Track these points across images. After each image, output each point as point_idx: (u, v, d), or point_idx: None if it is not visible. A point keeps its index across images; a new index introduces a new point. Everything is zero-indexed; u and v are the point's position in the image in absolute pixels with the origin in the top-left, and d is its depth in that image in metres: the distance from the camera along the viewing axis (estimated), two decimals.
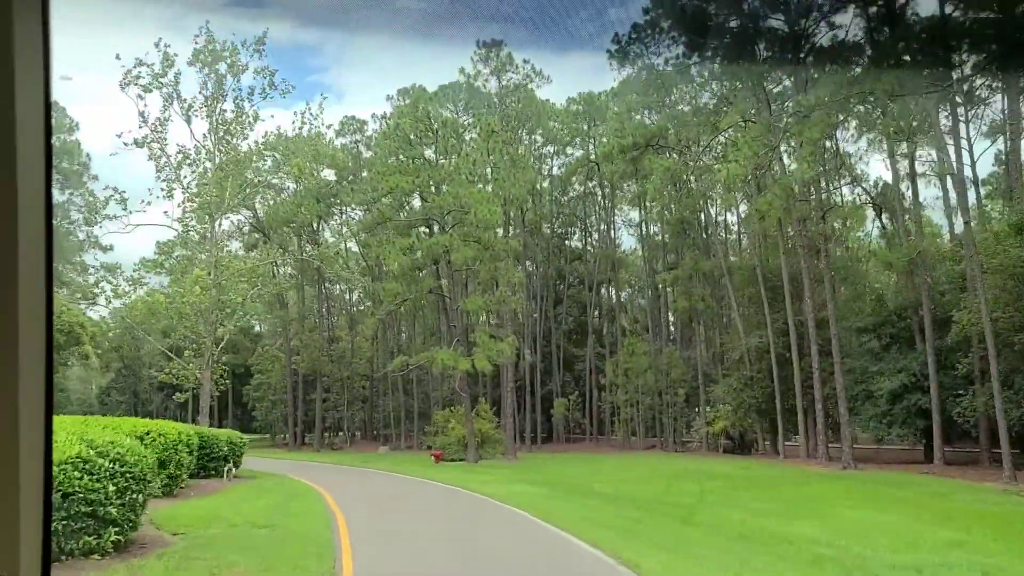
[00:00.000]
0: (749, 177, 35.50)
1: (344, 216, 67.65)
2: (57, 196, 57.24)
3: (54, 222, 1.45)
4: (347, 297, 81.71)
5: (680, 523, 16.55)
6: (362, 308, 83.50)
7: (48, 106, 1.37)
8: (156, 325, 40.29)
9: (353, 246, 75.13)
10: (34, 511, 1.30)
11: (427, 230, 38.52)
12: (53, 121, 1.42)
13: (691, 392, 52.50)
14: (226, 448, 24.62)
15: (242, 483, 23.87)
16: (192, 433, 21.28)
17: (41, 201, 1.36)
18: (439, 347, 37.95)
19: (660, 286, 63.51)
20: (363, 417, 76.80)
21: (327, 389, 71.81)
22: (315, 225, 63.06)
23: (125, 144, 32.44)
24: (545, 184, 67.47)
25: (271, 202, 61.81)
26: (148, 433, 17.52)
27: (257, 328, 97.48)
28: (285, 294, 75.28)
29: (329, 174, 66.87)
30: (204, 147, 34.26)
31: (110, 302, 37.25)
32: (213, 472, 23.70)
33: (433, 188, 35.97)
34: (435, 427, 45.69)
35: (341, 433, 78.34)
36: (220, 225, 35.82)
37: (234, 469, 25.10)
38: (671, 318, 63.73)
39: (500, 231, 40.01)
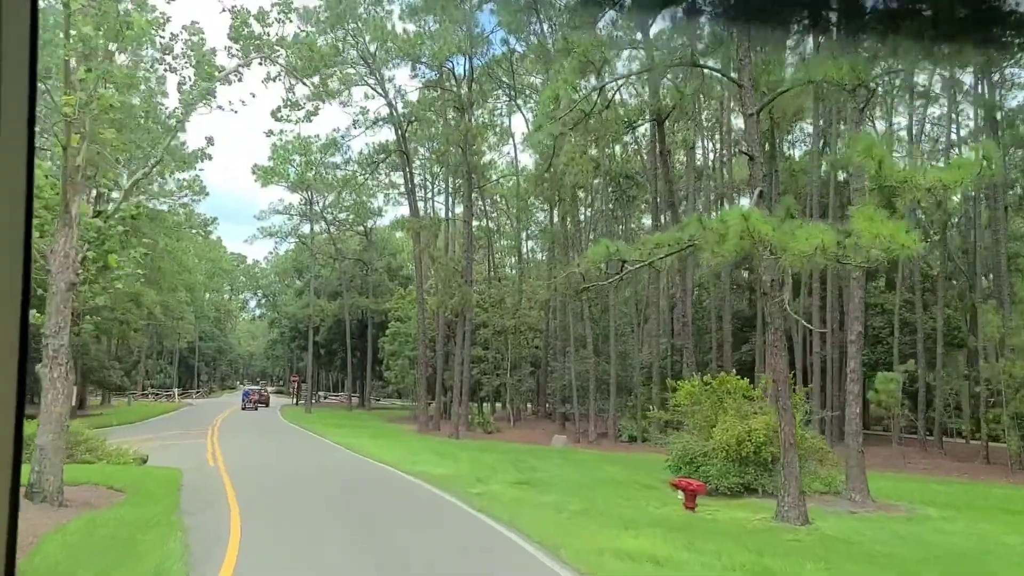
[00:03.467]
0: None
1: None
2: None
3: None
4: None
5: None
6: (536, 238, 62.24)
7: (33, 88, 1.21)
8: None
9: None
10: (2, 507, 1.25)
11: None
12: None
13: None
14: None
15: None
16: None
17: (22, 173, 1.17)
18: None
19: None
20: (532, 386, 55.22)
21: (485, 345, 50.93)
22: (466, 87, 40.83)
23: None
24: None
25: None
26: None
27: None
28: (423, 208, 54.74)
29: None
30: None
31: None
32: None
33: None
34: (671, 408, 23.04)
35: (503, 405, 57.48)
36: None
37: None
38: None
39: None
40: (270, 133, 39.18)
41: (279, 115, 40.52)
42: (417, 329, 46.01)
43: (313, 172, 57.95)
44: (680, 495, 15.88)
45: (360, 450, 26.59)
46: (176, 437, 30.84)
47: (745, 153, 16.20)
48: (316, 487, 17.59)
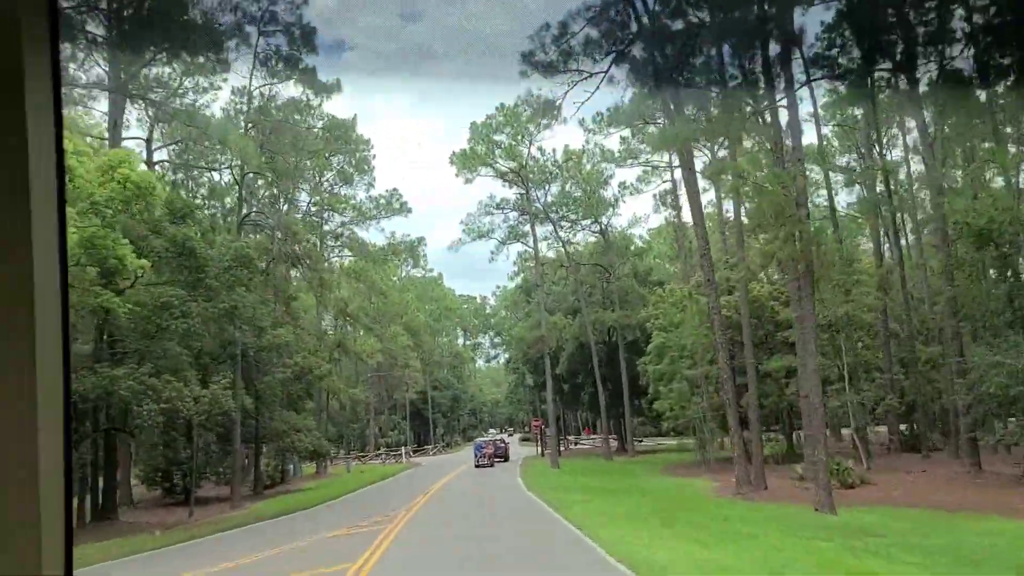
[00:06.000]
0: None
1: None
2: None
3: None
4: None
5: None
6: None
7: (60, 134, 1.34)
8: None
9: None
10: (56, 512, 1.30)
11: None
12: None
13: None
14: None
15: None
16: None
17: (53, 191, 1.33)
18: None
19: None
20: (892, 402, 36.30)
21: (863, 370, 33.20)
22: None
23: None
24: None
25: None
26: None
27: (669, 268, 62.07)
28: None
29: None
30: None
31: None
32: None
33: None
34: None
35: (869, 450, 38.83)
36: None
37: None
38: None
39: None
40: None
41: None
42: (709, 329, 29.13)
43: (528, 146, 44.18)
44: None
45: None
46: (314, 549, 16.52)
47: None
48: None
